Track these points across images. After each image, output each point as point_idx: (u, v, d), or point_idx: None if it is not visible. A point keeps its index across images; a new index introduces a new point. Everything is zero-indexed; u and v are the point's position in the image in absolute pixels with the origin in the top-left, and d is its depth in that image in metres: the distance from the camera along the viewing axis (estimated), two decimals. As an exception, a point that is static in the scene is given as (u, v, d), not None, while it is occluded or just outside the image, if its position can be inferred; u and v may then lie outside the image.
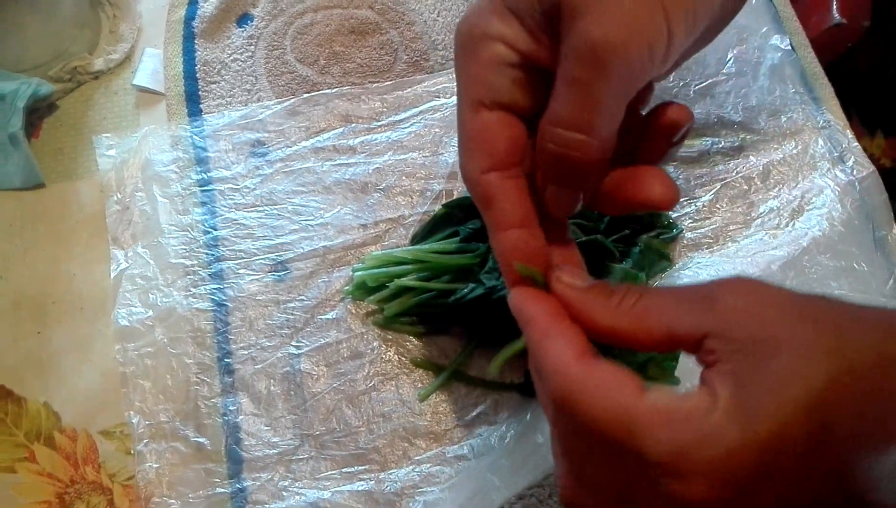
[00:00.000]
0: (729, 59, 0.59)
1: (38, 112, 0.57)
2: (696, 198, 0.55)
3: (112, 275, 0.52)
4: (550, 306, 0.32)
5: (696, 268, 0.52)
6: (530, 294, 0.33)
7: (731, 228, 0.54)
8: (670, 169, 0.56)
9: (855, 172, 0.55)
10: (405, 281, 0.49)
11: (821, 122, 0.57)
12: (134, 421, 0.48)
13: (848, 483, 0.26)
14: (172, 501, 0.47)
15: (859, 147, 0.57)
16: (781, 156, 0.56)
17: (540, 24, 0.32)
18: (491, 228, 0.35)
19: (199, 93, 0.58)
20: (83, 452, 0.49)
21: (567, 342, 0.30)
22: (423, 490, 0.47)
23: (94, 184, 0.55)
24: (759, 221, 0.54)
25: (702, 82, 0.58)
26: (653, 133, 0.36)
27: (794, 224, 0.54)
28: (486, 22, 0.33)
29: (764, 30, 0.60)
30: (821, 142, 0.57)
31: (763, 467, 0.25)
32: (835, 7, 0.63)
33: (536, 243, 0.34)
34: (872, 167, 0.56)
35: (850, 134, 0.57)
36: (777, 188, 0.55)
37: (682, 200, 0.55)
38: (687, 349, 0.29)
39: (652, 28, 0.29)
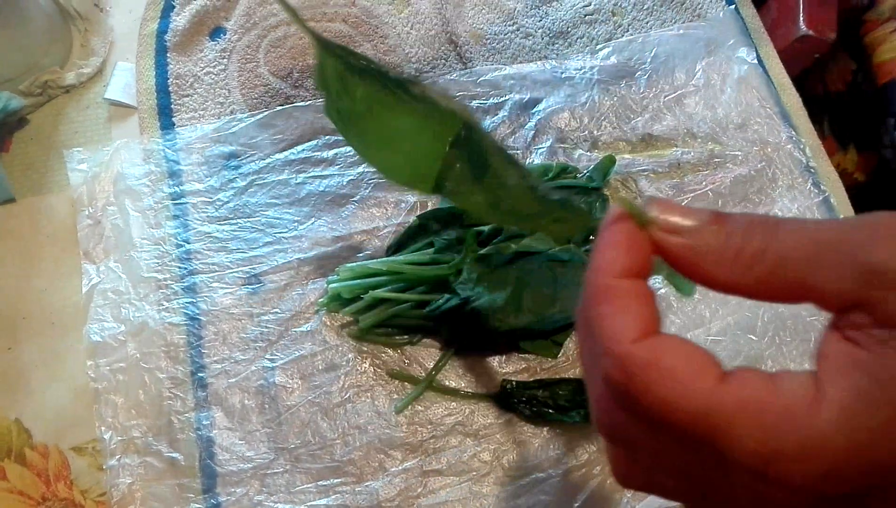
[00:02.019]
0: (698, 71, 0.60)
1: (8, 126, 0.57)
2: (667, 208, 0.56)
3: (84, 290, 0.51)
4: (628, 258, 0.26)
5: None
6: (618, 238, 0.26)
7: (702, 237, 0.55)
8: (643, 181, 0.56)
9: (813, 194, 0.57)
10: (380, 293, 0.49)
11: (784, 136, 0.58)
12: (106, 437, 0.48)
13: None
14: (146, 517, 0.46)
15: (819, 164, 0.58)
16: (747, 171, 0.57)
17: None
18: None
19: (172, 106, 0.58)
20: (55, 468, 0.48)
21: (632, 316, 0.25)
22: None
23: (66, 198, 0.55)
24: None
25: (671, 93, 0.59)
26: None
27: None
28: None
29: (731, 42, 0.61)
30: (784, 158, 0.58)
31: (868, 488, 0.22)
32: (801, 19, 0.64)
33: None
34: (833, 187, 0.57)
35: (808, 152, 0.58)
36: (743, 204, 0.56)
37: (653, 209, 0.56)
38: (823, 309, 0.24)
39: None
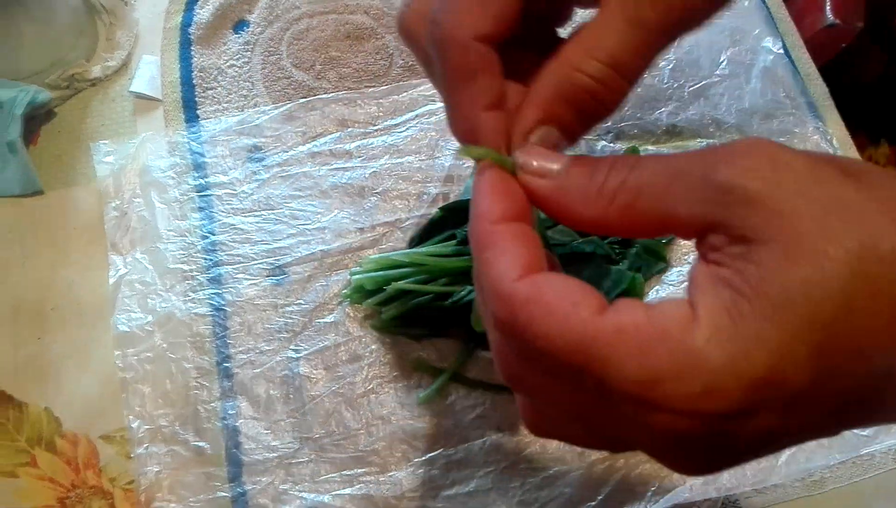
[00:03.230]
0: (722, 61, 0.59)
1: (36, 119, 0.57)
2: (691, 199, 0.55)
3: (111, 281, 0.52)
4: (503, 204, 0.26)
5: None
6: (488, 187, 0.27)
7: (727, 228, 0.54)
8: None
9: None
10: (403, 284, 0.49)
11: (811, 127, 0.58)
12: (134, 426, 0.48)
13: (855, 408, 0.22)
14: (173, 505, 0.47)
15: (847, 155, 0.57)
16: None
17: None
18: (459, 102, 0.29)
19: (196, 99, 0.58)
20: (84, 456, 0.49)
21: (512, 257, 0.25)
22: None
23: (93, 190, 0.56)
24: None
25: (696, 83, 0.59)
26: None
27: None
28: None
29: (756, 31, 0.61)
30: (811, 150, 0.57)
31: (752, 403, 0.21)
32: (828, 8, 0.64)
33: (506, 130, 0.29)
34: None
35: (836, 143, 0.57)
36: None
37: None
38: (685, 238, 0.25)
39: None
